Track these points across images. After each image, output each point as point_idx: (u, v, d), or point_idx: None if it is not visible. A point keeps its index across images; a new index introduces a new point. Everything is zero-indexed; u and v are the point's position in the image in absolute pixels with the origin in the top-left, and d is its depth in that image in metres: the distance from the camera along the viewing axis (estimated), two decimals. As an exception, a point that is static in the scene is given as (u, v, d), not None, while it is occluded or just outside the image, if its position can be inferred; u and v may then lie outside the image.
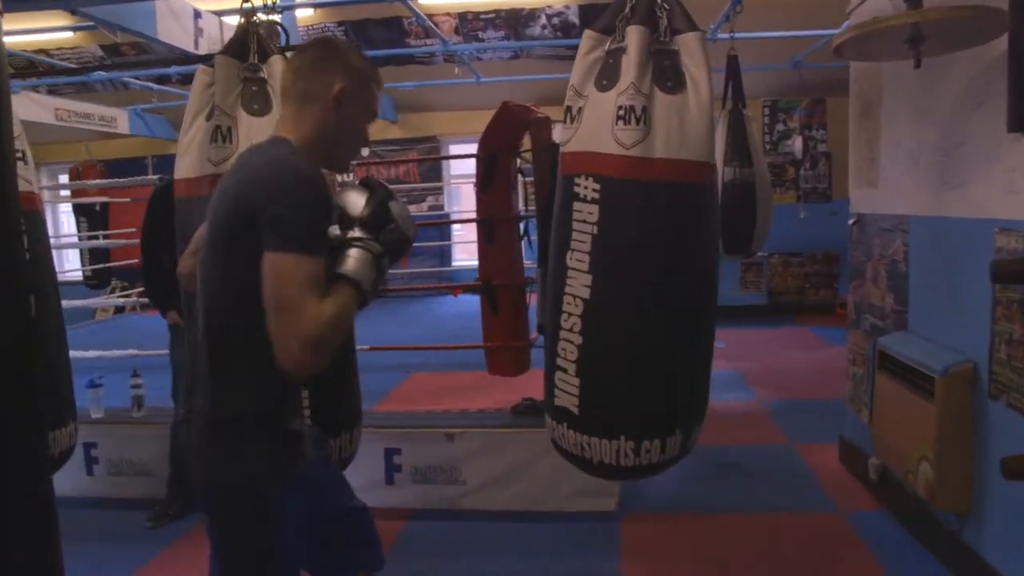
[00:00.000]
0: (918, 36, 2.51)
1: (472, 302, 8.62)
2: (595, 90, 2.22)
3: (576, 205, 2.23)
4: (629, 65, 2.15)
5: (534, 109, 4.18)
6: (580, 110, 2.25)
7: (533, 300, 4.36)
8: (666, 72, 2.15)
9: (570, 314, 2.25)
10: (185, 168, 2.39)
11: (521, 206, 4.76)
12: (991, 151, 2.76)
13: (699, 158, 2.14)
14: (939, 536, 3.14)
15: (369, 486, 3.83)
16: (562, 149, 2.28)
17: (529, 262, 4.58)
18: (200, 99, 2.41)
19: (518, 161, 4.53)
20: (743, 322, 8.63)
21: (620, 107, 2.13)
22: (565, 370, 2.29)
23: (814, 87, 9.01)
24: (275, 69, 2.47)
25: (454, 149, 10.88)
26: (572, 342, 2.25)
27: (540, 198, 4.09)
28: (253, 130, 2.37)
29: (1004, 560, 2.73)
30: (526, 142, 4.41)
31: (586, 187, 2.20)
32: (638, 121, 2.11)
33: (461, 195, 11.29)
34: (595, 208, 2.19)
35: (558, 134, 2.27)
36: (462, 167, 11.11)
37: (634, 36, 2.16)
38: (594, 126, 2.20)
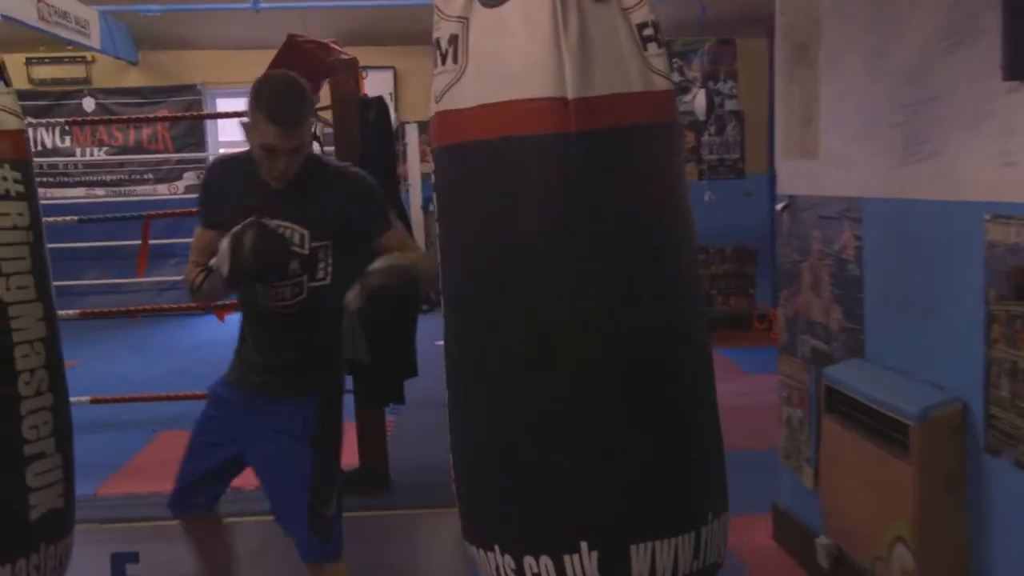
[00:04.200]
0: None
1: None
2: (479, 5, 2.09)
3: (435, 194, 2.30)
4: None
5: (335, 47, 3.98)
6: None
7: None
8: None
9: (445, 362, 2.31)
10: None
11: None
12: (978, 107, 2.75)
13: (535, 93, 1.99)
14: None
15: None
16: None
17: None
18: None
19: (314, 122, 4.28)
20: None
21: (433, 42, 2.13)
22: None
23: (720, 24, 9.19)
24: None
25: (223, 105, 10.43)
26: (446, 402, 2.34)
27: None
28: None
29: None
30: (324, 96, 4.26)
31: (433, 166, 2.23)
32: (445, 58, 2.08)
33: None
34: (435, 198, 2.23)
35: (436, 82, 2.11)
36: (235, 130, 10.64)
37: None
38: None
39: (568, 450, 2.10)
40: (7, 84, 2.26)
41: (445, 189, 2.17)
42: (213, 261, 2.73)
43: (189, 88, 10.55)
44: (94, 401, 5.26)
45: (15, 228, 2.21)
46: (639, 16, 2.06)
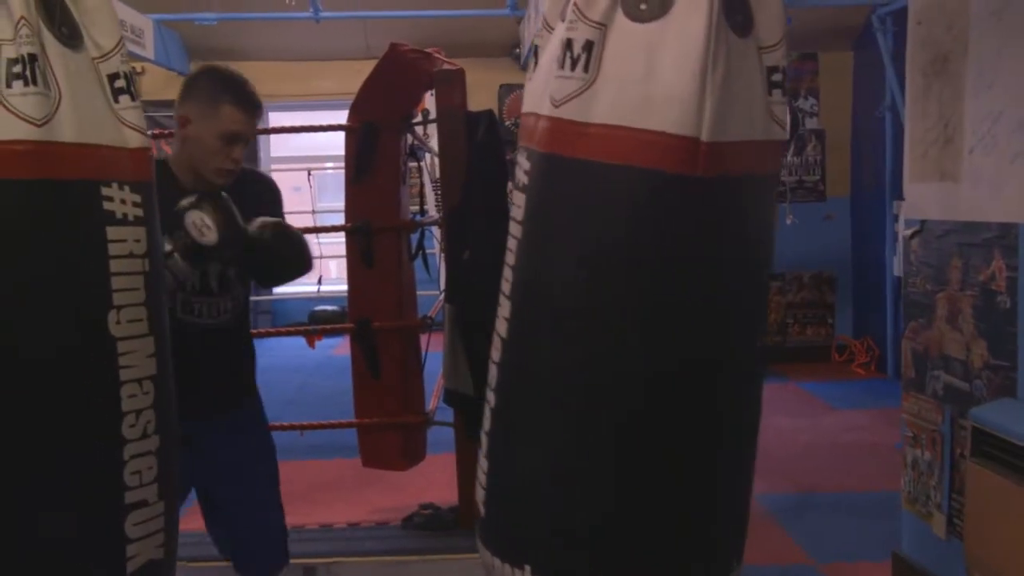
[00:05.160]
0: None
1: (329, 349, 8.22)
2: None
3: (513, 194, 2.25)
4: None
5: (439, 57, 3.97)
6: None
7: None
8: None
9: (492, 362, 2.29)
10: None
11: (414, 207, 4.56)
12: None
13: (669, 128, 1.96)
14: None
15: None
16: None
17: (430, 292, 4.42)
18: None
19: (410, 137, 4.36)
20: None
21: (563, 41, 2.06)
22: (481, 445, 2.33)
23: (802, 37, 9.08)
24: None
25: (277, 119, 10.45)
26: (489, 404, 2.30)
27: (450, 194, 3.96)
28: (73, 72, 2.09)
29: None
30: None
31: (520, 166, 2.19)
32: (575, 63, 2.02)
33: (286, 187, 10.83)
34: (523, 199, 2.17)
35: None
36: (290, 146, 10.70)
37: None
38: (542, 75, 2.15)
39: (626, 493, 2.13)
40: (133, 97, 2.19)
41: (540, 196, 2.13)
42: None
43: (242, 101, 10.56)
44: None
45: (131, 256, 2.14)
46: (773, 59, 2.04)
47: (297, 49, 9.86)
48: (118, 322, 2.10)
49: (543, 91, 2.11)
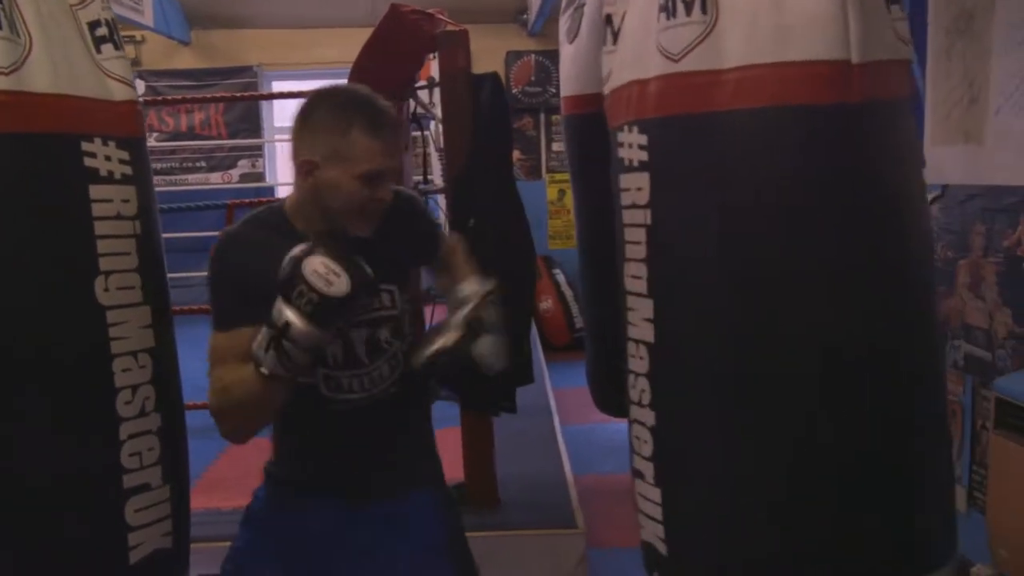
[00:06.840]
0: None
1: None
2: None
3: (622, 179, 2.02)
4: None
5: (442, 18, 3.85)
6: (623, 17, 2.00)
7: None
8: None
9: (636, 374, 2.02)
10: None
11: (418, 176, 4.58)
12: None
13: (818, 56, 1.79)
14: None
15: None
16: (604, 89, 2.08)
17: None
18: None
19: (412, 103, 4.29)
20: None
21: None
22: (642, 475, 2.04)
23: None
24: None
25: (280, 87, 10.35)
26: (644, 423, 2.01)
27: (454, 161, 3.84)
28: (46, 17, 1.99)
29: None
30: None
31: (630, 144, 1.96)
32: (689, 7, 1.83)
33: (289, 158, 10.77)
34: (644, 178, 1.94)
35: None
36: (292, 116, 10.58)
37: None
38: (635, 36, 1.97)
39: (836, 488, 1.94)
40: (117, 47, 2.10)
41: (670, 170, 1.93)
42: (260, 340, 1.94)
43: (245, 70, 10.46)
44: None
45: (118, 217, 2.03)
46: None
47: (300, 16, 9.75)
48: (106, 289, 2.01)
49: (640, 54, 1.94)
